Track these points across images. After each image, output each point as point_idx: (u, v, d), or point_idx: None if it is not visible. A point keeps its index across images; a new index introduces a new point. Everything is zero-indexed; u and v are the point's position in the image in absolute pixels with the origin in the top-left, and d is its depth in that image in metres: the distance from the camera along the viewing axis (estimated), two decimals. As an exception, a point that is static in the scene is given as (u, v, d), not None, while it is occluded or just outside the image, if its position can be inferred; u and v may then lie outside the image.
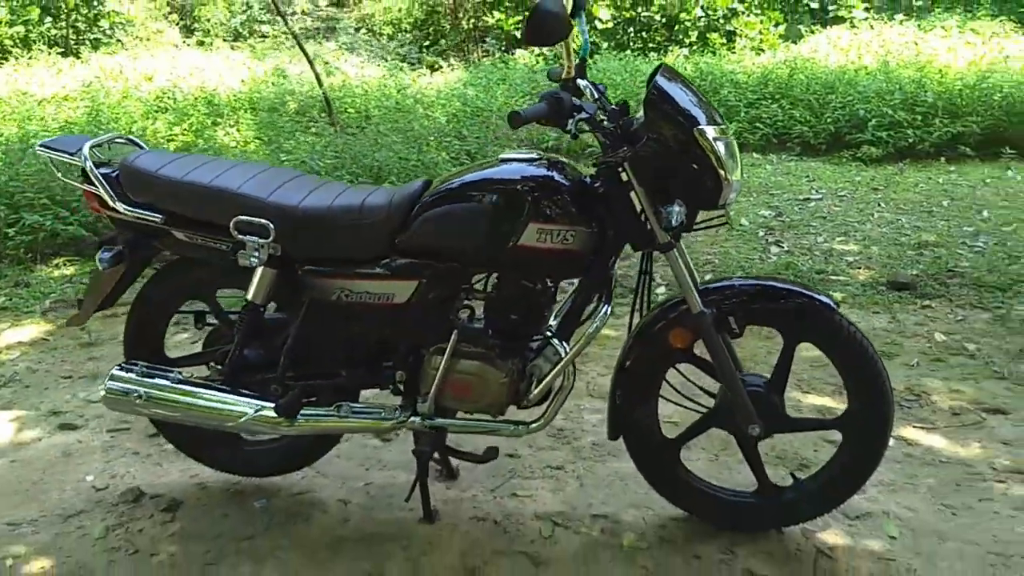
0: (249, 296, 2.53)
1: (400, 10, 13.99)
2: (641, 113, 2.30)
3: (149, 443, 3.19)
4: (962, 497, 2.82)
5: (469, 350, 2.48)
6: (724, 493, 2.65)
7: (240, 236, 2.44)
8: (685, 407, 2.61)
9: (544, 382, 2.44)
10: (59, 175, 2.76)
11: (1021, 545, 2.56)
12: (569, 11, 2.19)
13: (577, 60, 2.35)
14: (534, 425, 2.52)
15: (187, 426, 2.78)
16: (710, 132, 2.22)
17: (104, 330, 4.24)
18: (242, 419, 2.55)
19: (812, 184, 7.09)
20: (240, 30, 14.22)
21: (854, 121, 8.11)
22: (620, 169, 2.34)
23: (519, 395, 2.52)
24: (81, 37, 13.10)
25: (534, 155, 2.43)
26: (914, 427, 3.26)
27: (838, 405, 3.37)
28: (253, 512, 2.77)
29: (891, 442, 2.78)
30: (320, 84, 7.62)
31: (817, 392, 3.50)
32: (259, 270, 2.49)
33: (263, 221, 2.42)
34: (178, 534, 2.66)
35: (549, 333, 2.52)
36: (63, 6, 12.75)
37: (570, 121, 2.23)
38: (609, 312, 2.41)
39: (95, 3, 13.08)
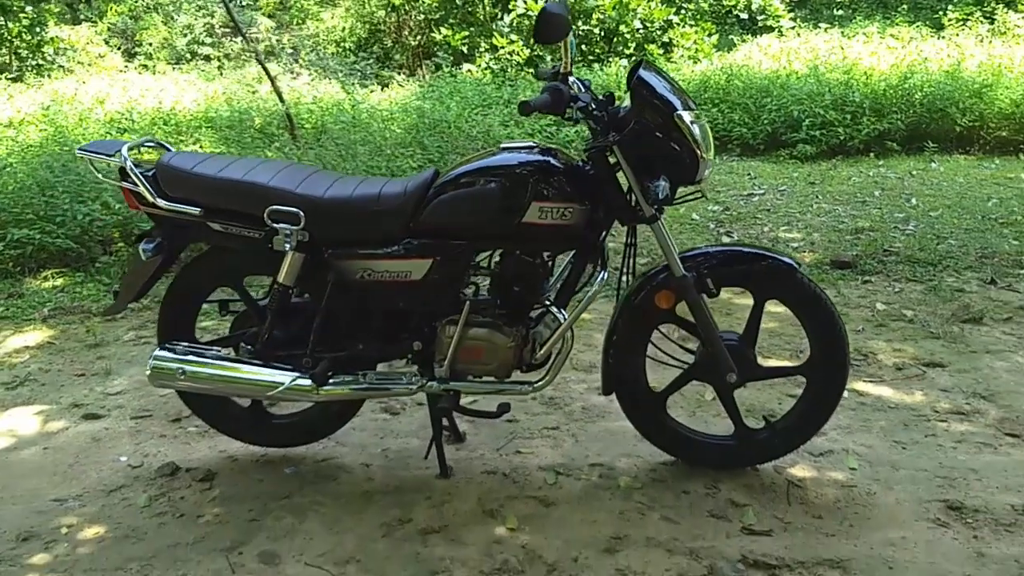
0: (280, 278, 2.82)
1: (343, 29, 14.26)
2: (626, 102, 2.66)
3: (174, 427, 3.44)
4: (910, 434, 3.23)
5: (479, 320, 2.81)
6: (706, 438, 3.02)
7: (273, 224, 2.73)
8: (668, 364, 2.97)
9: (547, 344, 2.78)
10: (100, 176, 3.01)
11: (963, 470, 2.97)
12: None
13: (569, 59, 2.70)
14: (539, 383, 2.85)
15: (218, 403, 3.07)
16: (687, 116, 2.59)
17: (108, 333, 4.46)
18: (278, 388, 2.83)
19: (754, 181, 7.57)
20: (183, 52, 14.34)
21: (789, 122, 8.65)
22: (608, 153, 2.70)
23: (523, 359, 2.86)
24: (24, 63, 13.12)
25: (531, 143, 2.77)
26: (864, 381, 3.67)
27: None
28: (285, 477, 3.05)
29: (845, 394, 3.21)
30: (281, 99, 7.87)
31: (776, 357, 3.90)
32: (290, 254, 2.78)
33: (293, 210, 2.71)
34: (218, 498, 2.93)
35: (548, 302, 2.85)
36: (5, 33, 12.77)
37: (569, 109, 2.58)
38: (605, 277, 2.76)
39: (38, 30, 13.10)
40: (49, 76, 12.31)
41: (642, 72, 2.62)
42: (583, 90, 2.69)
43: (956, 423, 3.31)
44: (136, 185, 2.82)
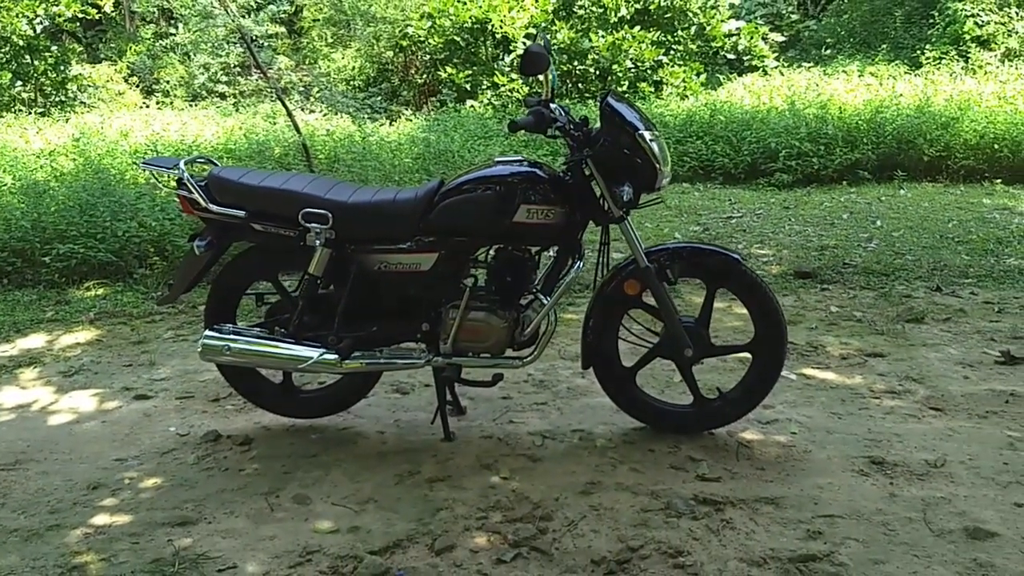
0: (311, 270, 3.39)
1: (353, 68, 14.99)
2: (598, 124, 3.25)
3: (214, 406, 3.99)
4: (846, 408, 3.78)
5: (477, 304, 3.37)
6: (669, 407, 3.57)
7: (306, 224, 3.30)
8: (637, 344, 3.52)
9: (533, 323, 3.34)
10: (160, 185, 3.59)
11: (888, 435, 3.51)
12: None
13: (549, 88, 3.28)
14: (528, 358, 3.40)
15: (255, 380, 3.63)
16: (647, 135, 3.17)
17: (150, 331, 5.03)
18: (309, 361, 3.38)
19: (734, 205, 8.16)
20: (199, 90, 15.04)
21: (767, 153, 9.27)
22: (583, 165, 3.27)
23: (515, 338, 3.41)
24: (48, 100, 13.80)
25: (521, 158, 3.36)
26: (811, 368, 4.23)
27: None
28: (312, 440, 3.59)
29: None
30: (298, 131, 8.49)
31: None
32: (319, 249, 3.35)
33: (323, 212, 3.29)
34: (256, 457, 3.47)
35: (536, 290, 3.42)
36: (32, 71, 13.47)
37: (549, 129, 3.17)
38: (580, 266, 3.33)
39: (62, 68, 13.80)
40: (73, 111, 12.98)
41: (610, 99, 3.21)
42: (563, 114, 3.27)
43: (888, 400, 3.85)
44: (191, 192, 3.39)
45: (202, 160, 3.65)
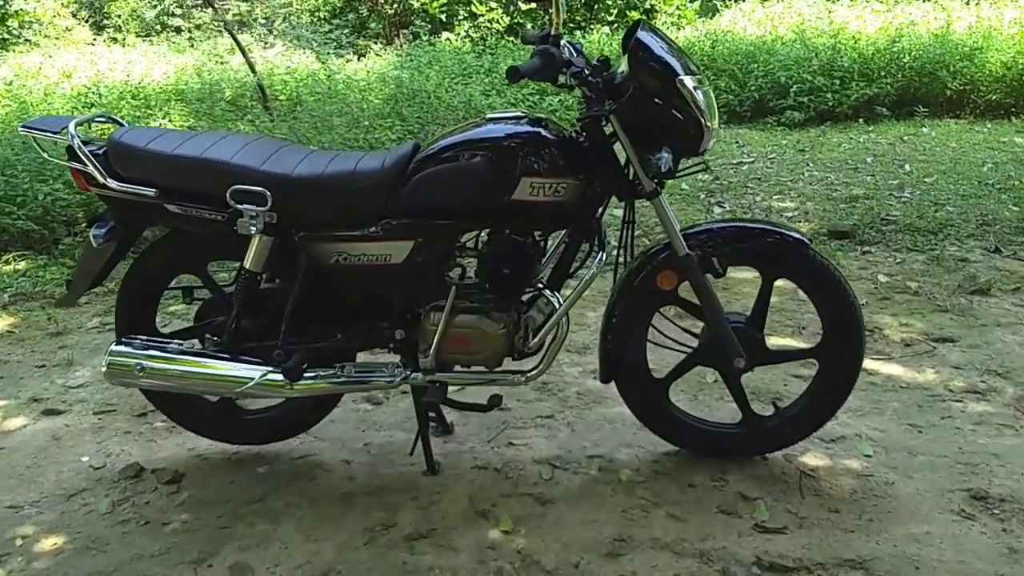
0: (247, 264, 2.59)
1: (317, -2, 13.91)
2: (622, 68, 2.43)
3: (139, 422, 3.21)
4: (925, 416, 3.04)
5: (466, 305, 2.59)
6: (712, 426, 2.82)
7: (237, 205, 2.49)
8: (671, 349, 2.76)
9: (542, 331, 2.57)
10: (44, 155, 2.76)
11: (984, 455, 2.79)
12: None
13: (560, 18, 2.46)
14: (531, 373, 2.64)
15: (184, 400, 2.84)
16: (689, 82, 2.37)
17: (71, 320, 4.21)
18: (248, 384, 2.61)
19: (743, 149, 7.36)
20: (153, 24, 13.93)
21: (776, 88, 8.44)
22: (604, 122, 2.47)
23: (515, 346, 2.64)
24: (-12, 38, 12.70)
25: (519, 113, 2.55)
26: (872, 359, 3.48)
27: (801, 344, 3.58)
28: (258, 477, 2.83)
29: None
30: (253, 71, 7.58)
31: (779, 335, 3.70)
32: (256, 238, 2.54)
33: (259, 189, 2.48)
34: (187, 503, 2.71)
35: (541, 285, 2.64)
36: (-33, 6, 12.35)
37: (561, 75, 2.35)
38: (604, 258, 2.54)
39: (1, 2, 12.67)
40: (14, 51, 11.89)
41: (640, 34, 2.39)
42: (576, 54, 2.45)
43: (972, 403, 3.13)
44: (85, 165, 2.56)
45: (103, 119, 2.81)
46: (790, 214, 5.46)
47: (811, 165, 6.73)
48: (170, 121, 7.49)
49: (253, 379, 2.61)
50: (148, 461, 2.94)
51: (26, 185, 5.18)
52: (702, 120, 2.38)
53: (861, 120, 8.20)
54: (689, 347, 2.75)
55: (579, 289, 2.55)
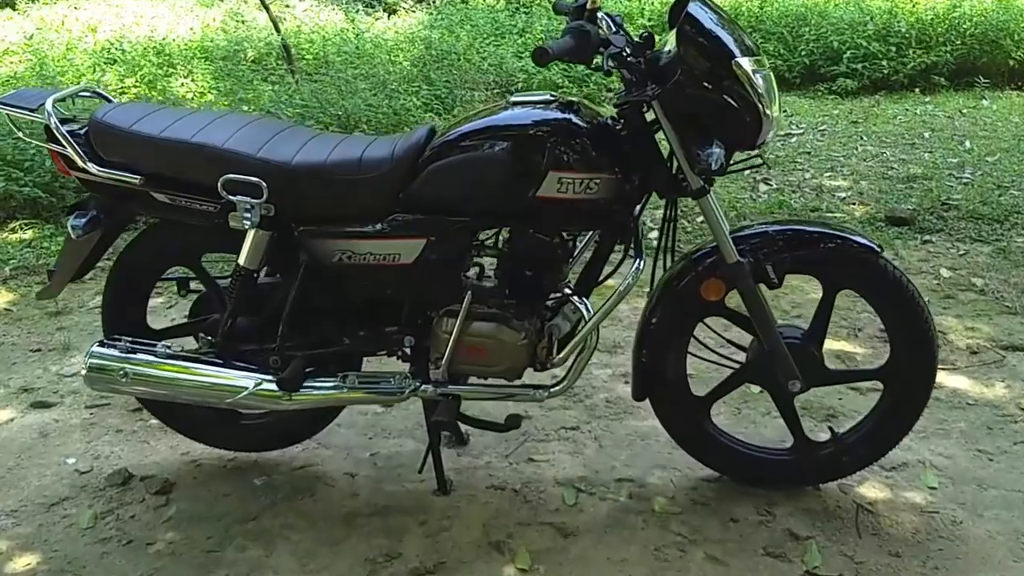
0: (241, 261, 2.31)
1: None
2: (668, 46, 2.11)
3: (132, 419, 2.97)
4: (996, 441, 2.72)
5: (483, 311, 2.30)
6: (758, 450, 2.51)
7: (229, 197, 2.21)
8: (714, 362, 2.46)
9: (569, 345, 2.28)
10: (21, 134, 2.48)
11: (1065, 489, 2.47)
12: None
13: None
14: (555, 388, 2.35)
15: (176, 402, 2.59)
16: (747, 64, 2.04)
17: (72, 298, 3.96)
18: (240, 395, 2.34)
19: (791, 119, 6.93)
20: (183, -24, 13.58)
21: (828, 54, 7.97)
22: (645, 109, 2.15)
23: (537, 357, 2.35)
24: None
25: (547, 96, 2.23)
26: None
27: (856, 349, 3.26)
28: (254, 490, 2.57)
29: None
30: (277, 29, 7.25)
31: (831, 337, 3.36)
32: (251, 232, 2.27)
33: (254, 179, 2.19)
34: (175, 519, 2.46)
35: (568, 290, 2.34)
36: (-6, -45, 12.05)
37: (599, 56, 2.03)
38: (642, 267, 2.23)
39: (28, -49, 12.37)
40: (39, 1, 11.63)
41: (691, 7, 2.05)
42: (614, 29, 2.12)
43: (1049, 426, 2.79)
44: (65, 147, 2.28)
45: (87, 94, 2.53)
46: (842, 194, 5.08)
47: (865, 139, 6.31)
48: (193, 81, 7.22)
49: (247, 388, 2.35)
50: (138, 466, 2.70)
51: (33, 149, 4.92)
52: (760, 108, 2.05)
53: (917, 90, 7.73)
54: (736, 362, 2.45)
55: (612, 301, 2.24)
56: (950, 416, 2.85)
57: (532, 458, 2.68)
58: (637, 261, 2.24)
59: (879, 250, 2.26)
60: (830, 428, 2.51)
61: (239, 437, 2.70)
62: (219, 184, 2.20)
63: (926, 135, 6.34)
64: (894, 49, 7.84)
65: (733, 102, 2.04)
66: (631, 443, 2.74)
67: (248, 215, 2.21)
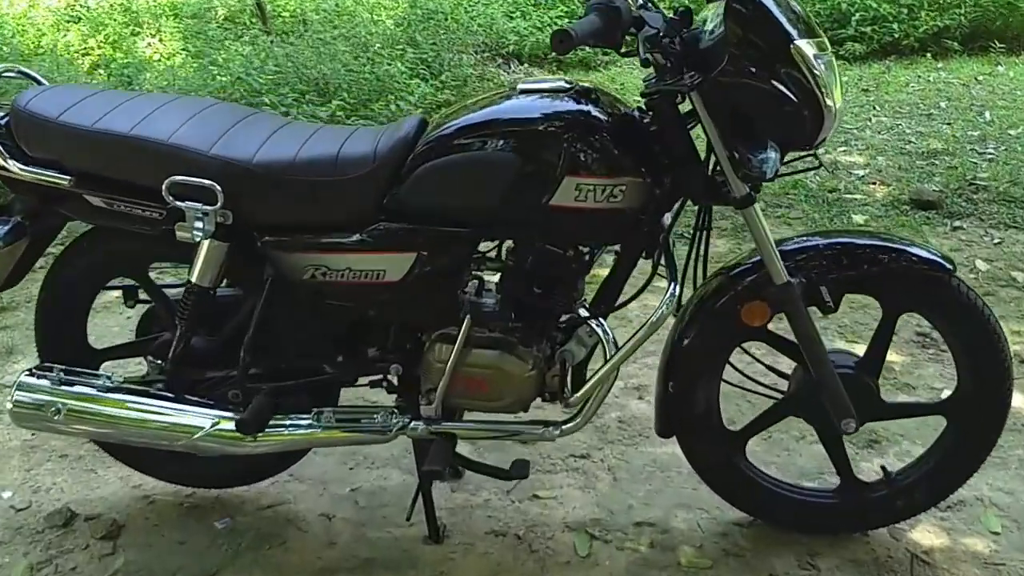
0: (193, 277, 1.94)
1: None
2: (711, 24, 1.73)
3: (79, 441, 2.59)
4: (1062, 472, 2.40)
5: (484, 336, 1.94)
6: (800, 492, 2.17)
7: (176, 203, 1.83)
8: (750, 391, 2.13)
9: (589, 384, 1.93)
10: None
11: None
12: None
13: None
14: (567, 426, 2.01)
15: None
16: (807, 48, 1.67)
17: (19, 292, 3.56)
18: (195, 436, 1.98)
19: (798, 87, 6.53)
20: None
21: (836, 16, 7.55)
22: (679, 98, 1.79)
23: (546, 386, 2.01)
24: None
25: (561, 82, 1.85)
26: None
27: (894, 358, 2.93)
28: (214, 536, 2.22)
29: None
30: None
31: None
32: (205, 244, 1.89)
33: (206, 183, 1.81)
34: (122, 572, 2.12)
35: (583, 310, 1.98)
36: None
37: (635, 39, 1.65)
38: (678, 292, 1.87)
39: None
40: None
41: (743, -20, 1.67)
42: (646, 5, 1.74)
43: (1119, 453, 2.47)
44: (-21, 140, 1.90)
45: (12, 74, 2.12)
46: (860, 172, 4.72)
47: (878, 109, 5.93)
48: (160, 41, 6.76)
49: (202, 428, 1.98)
50: (82, 502, 2.35)
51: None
52: (822, 100, 1.68)
53: (929, 55, 7.33)
54: (778, 392, 2.11)
55: (642, 334, 1.88)
56: (1006, 441, 2.51)
57: (537, 494, 2.34)
58: (672, 286, 1.88)
59: (951, 268, 1.91)
60: (883, 468, 2.17)
61: (197, 472, 2.33)
62: (163, 188, 1.82)
63: (942, 104, 5.97)
64: (905, 11, 7.43)
65: (790, 93, 1.67)
66: (649, 476, 2.40)
67: (199, 225, 1.84)
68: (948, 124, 5.54)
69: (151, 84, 5.27)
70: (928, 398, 2.67)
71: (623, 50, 1.70)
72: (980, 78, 6.68)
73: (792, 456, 2.45)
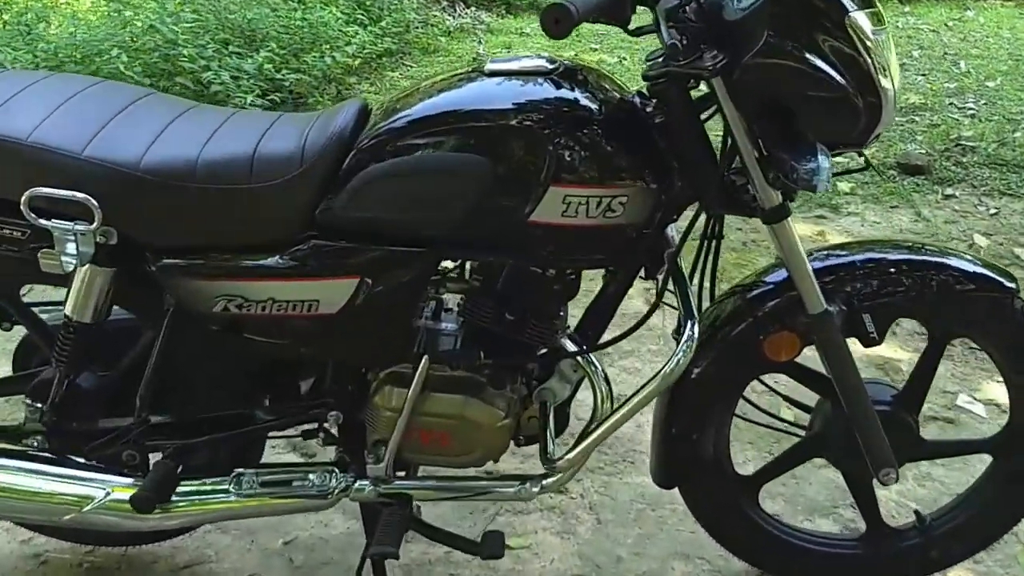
0: (67, 311, 1.52)
1: None
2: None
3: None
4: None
5: (445, 376, 1.55)
6: (819, 542, 1.84)
7: (40, 222, 1.40)
8: (766, 426, 1.78)
9: (582, 447, 1.55)
10: None
11: None
12: None
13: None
14: (548, 481, 1.62)
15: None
16: (864, 22, 1.29)
17: None
18: (85, 508, 1.57)
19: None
20: None
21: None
22: (690, 84, 1.40)
23: (521, 430, 1.64)
24: None
25: (540, 61, 1.45)
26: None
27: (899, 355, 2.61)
28: (119, 612, 1.83)
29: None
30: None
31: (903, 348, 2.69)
32: (82, 271, 1.47)
33: (78, 196, 1.38)
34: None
35: (568, 341, 1.59)
36: None
37: (654, 11, 1.25)
38: (695, 333, 1.49)
39: None
40: None
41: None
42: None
43: None
44: None
45: None
46: (836, 131, 4.37)
47: (848, 58, 5.59)
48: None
49: (94, 499, 1.57)
50: (-39, 566, 1.93)
51: None
52: (880, 86, 1.31)
53: (895, -1, 7.02)
54: (800, 428, 1.77)
55: (649, 389, 1.50)
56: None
57: (509, 545, 1.96)
58: (688, 325, 1.49)
59: (1014, 288, 1.56)
60: (916, 512, 1.84)
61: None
62: (22, 202, 1.38)
63: (915, 54, 5.65)
64: (870, -49, 7.07)
65: (842, 80, 1.29)
66: (639, 516, 2.06)
67: (71, 250, 1.41)
68: (923, 75, 5.23)
69: (53, 37, 4.68)
70: (970, 435, 2.31)
71: (631, 29, 1.30)
72: (950, 23, 6.40)
73: (800, 485, 2.12)
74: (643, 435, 2.25)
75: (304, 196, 1.44)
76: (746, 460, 2.16)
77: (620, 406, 1.52)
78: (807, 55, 1.28)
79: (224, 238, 1.47)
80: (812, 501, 2.07)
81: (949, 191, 3.71)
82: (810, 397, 1.74)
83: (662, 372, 1.48)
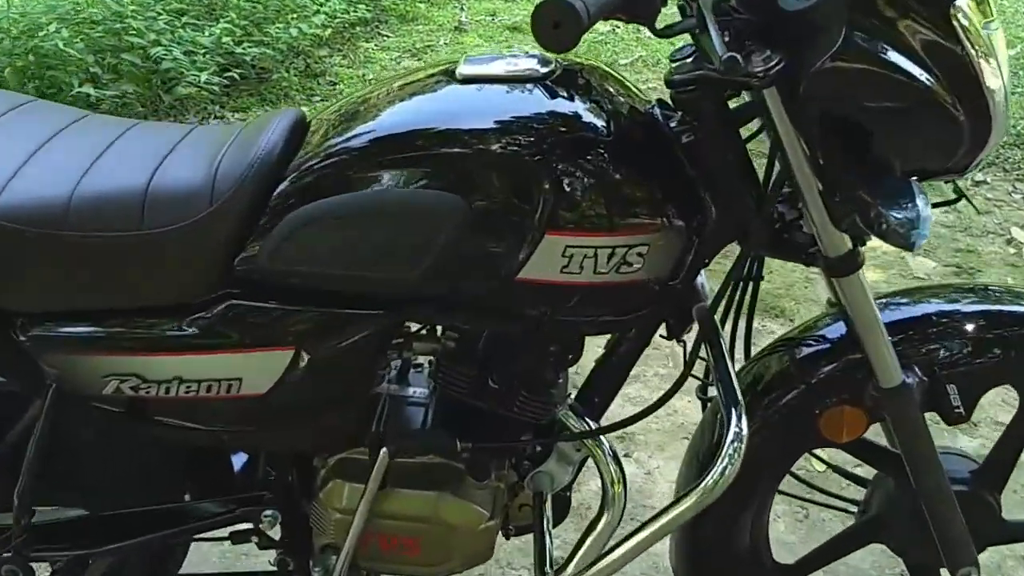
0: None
1: None
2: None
3: None
4: None
5: (413, 464, 1.21)
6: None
7: None
8: (817, 503, 1.45)
9: (598, 568, 1.20)
10: None
11: None
12: None
13: None
14: (551, 583, 1.29)
15: None
16: (971, 14, 0.93)
17: None
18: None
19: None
20: None
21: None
22: (726, 92, 1.06)
23: (509, 520, 1.31)
24: None
25: (532, 61, 1.09)
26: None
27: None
28: None
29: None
30: None
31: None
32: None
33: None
34: None
35: (569, 413, 1.24)
36: None
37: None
38: (743, 429, 1.12)
39: None
40: None
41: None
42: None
43: None
44: None
45: None
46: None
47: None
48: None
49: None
50: None
51: None
52: (991, 96, 0.96)
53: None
54: (854, 504, 1.43)
55: (681, 509, 1.14)
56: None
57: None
58: (733, 416, 1.13)
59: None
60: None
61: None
62: None
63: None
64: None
65: (944, 88, 0.94)
66: (650, 591, 1.73)
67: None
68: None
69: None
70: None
71: (659, 30, 0.95)
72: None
73: (826, 527, 1.80)
74: (654, 485, 1.93)
75: (217, 243, 1.08)
76: (776, 535, 1.83)
77: (644, 525, 1.17)
78: (898, 57, 0.93)
79: (110, 301, 1.11)
80: (855, 570, 1.75)
81: (979, 176, 3.37)
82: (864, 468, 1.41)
83: (702, 486, 1.12)
